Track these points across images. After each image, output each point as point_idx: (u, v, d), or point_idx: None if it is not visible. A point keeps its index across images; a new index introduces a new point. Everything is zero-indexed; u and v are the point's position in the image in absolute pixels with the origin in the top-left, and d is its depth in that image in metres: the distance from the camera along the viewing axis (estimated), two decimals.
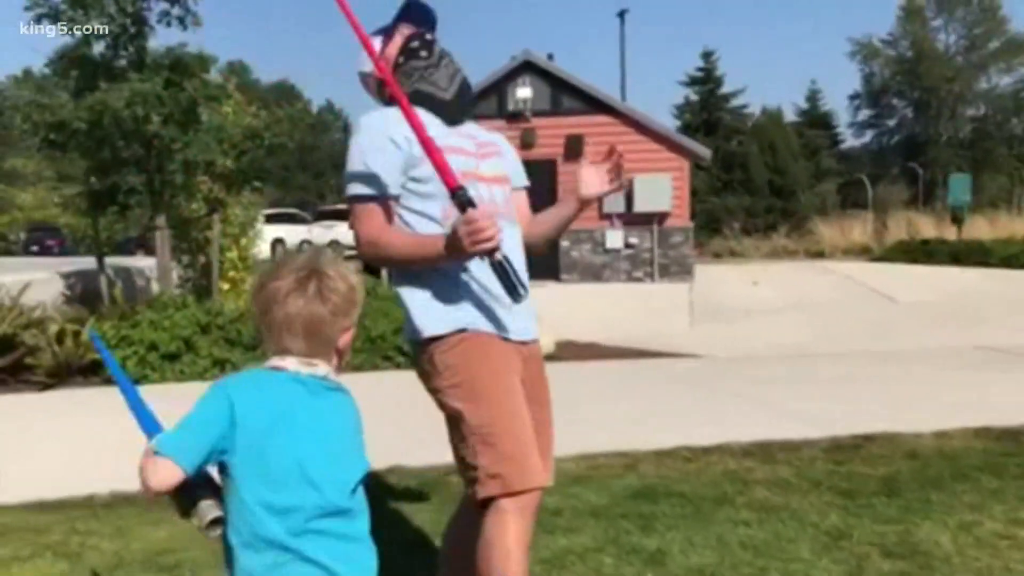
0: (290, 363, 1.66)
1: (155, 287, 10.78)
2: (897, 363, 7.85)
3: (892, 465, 4.48)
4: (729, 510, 3.86)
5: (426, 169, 2.21)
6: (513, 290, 2.12)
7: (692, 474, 4.41)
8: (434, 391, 2.26)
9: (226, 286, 10.16)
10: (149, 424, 1.76)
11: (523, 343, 2.32)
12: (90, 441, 5.54)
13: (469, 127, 2.44)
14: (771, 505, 3.91)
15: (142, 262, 13.33)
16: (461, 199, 2.11)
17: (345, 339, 1.72)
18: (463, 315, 2.23)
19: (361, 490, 1.67)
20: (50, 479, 4.55)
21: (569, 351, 8.60)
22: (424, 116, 2.25)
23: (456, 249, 2.08)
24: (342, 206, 26.25)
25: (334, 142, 65.55)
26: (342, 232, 23.96)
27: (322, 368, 1.69)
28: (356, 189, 2.27)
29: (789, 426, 5.31)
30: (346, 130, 53.94)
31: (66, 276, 10.74)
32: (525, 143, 17.00)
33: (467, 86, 2.46)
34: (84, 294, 10.10)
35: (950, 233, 21.99)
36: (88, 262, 11.65)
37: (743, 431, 5.18)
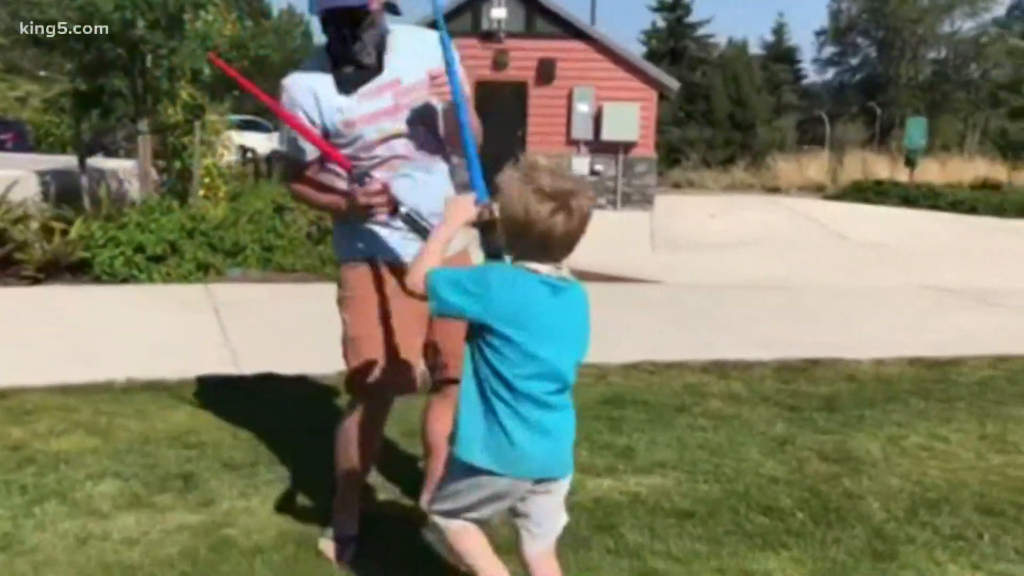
0: (543, 268, 2.03)
1: (129, 190, 10.94)
2: (845, 296, 8.42)
3: (833, 386, 5.02)
4: (687, 417, 4.36)
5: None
6: (424, 232, 2.58)
7: (655, 386, 4.91)
8: (337, 301, 2.84)
9: (201, 192, 10.34)
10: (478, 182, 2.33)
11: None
12: (94, 331, 5.88)
13: (392, 70, 2.70)
14: (724, 415, 4.43)
15: (111, 163, 13.35)
16: (355, 177, 2.66)
17: None
18: (362, 246, 2.75)
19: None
20: (63, 365, 4.89)
21: None
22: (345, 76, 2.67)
23: (358, 214, 2.66)
24: None
25: (296, 49, 64.17)
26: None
27: (565, 269, 2.07)
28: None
29: (742, 348, 5.82)
30: (306, 36, 52.66)
31: (42, 175, 10.81)
32: (498, 63, 17.13)
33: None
34: (61, 193, 10.21)
35: (903, 175, 22.64)
36: (59, 160, 11.71)
37: (701, 351, 5.68)
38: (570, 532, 2.42)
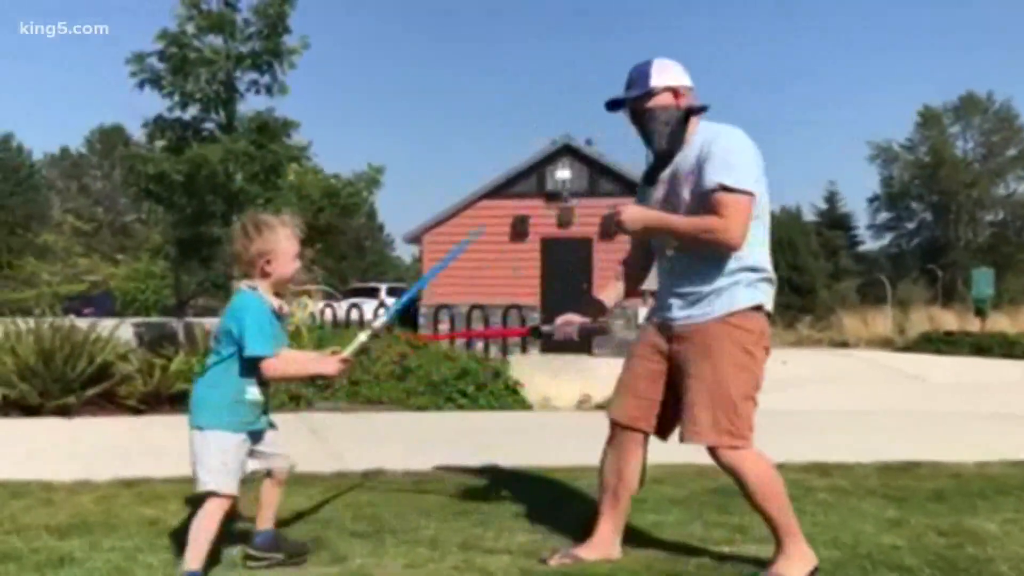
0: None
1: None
2: (931, 419, 8.31)
3: (938, 481, 4.96)
4: (797, 504, 4.34)
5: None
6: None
7: None
8: None
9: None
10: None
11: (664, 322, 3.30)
12: None
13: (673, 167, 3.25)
14: (832, 503, 4.41)
15: (198, 320, 13.95)
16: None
17: None
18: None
19: None
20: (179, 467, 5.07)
21: None
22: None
23: None
24: (371, 284, 27.06)
25: (359, 227, 67.02)
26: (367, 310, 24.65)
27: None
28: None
29: (840, 454, 5.78)
30: (370, 216, 54.96)
31: (137, 325, 11.40)
32: (562, 222, 17.79)
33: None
34: (156, 340, 10.71)
35: (972, 327, 22.41)
36: (147, 321, 12.35)
37: (800, 454, 5.66)
38: None
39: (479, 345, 13.59)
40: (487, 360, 10.00)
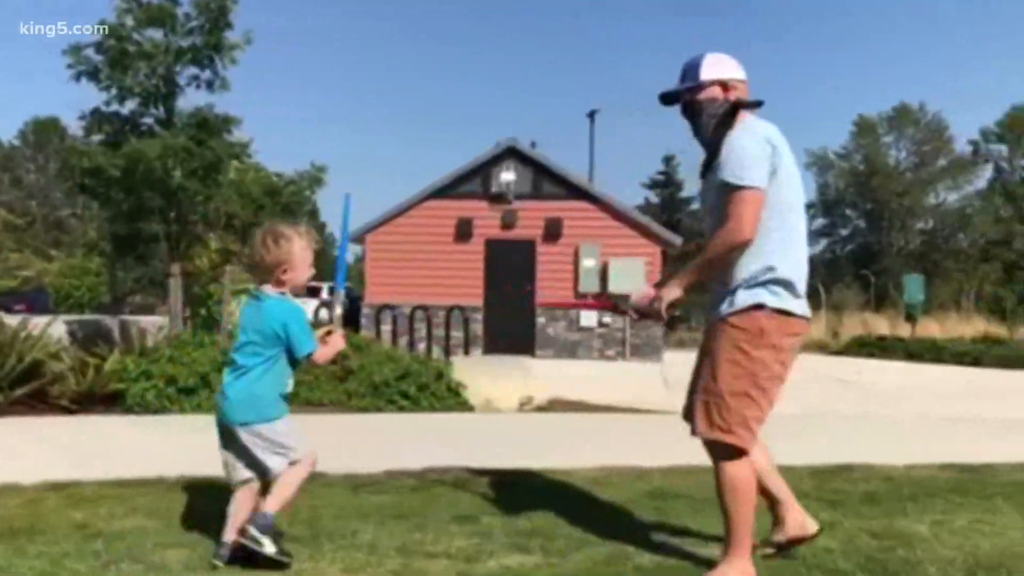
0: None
1: (156, 340, 11.16)
2: (865, 423, 8.50)
3: (871, 484, 5.08)
4: None
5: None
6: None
7: (695, 484, 4.96)
8: None
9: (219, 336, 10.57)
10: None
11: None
12: (136, 448, 5.96)
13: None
14: (763, 504, 4.46)
15: (135, 318, 13.67)
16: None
17: None
18: None
19: None
20: (113, 468, 4.96)
21: (561, 405, 9.19)
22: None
23: None
24: (313, 284, 26.78)
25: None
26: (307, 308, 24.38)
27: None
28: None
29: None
30: (312, 215, 54.26)
31: (70, 323, 11.10)
32: (506, 223, 17.80)
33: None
34: (90, 337, 10.46)
35: (904, 331, 23.01)
36: (82, 318, 12.03)
37: None
38: None
39: (421, 346, 13.52)
40: (430, 361, 9.95)
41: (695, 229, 49.87)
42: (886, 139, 59.32)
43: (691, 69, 3.30)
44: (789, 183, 3.20)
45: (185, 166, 9.06)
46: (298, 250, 3.30)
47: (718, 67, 3.28)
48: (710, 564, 3.28)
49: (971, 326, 25.63)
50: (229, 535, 3.23)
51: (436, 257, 17.71)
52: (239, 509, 3.28)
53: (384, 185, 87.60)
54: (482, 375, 9.43)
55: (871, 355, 20.25)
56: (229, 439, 3.30)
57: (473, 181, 18.06)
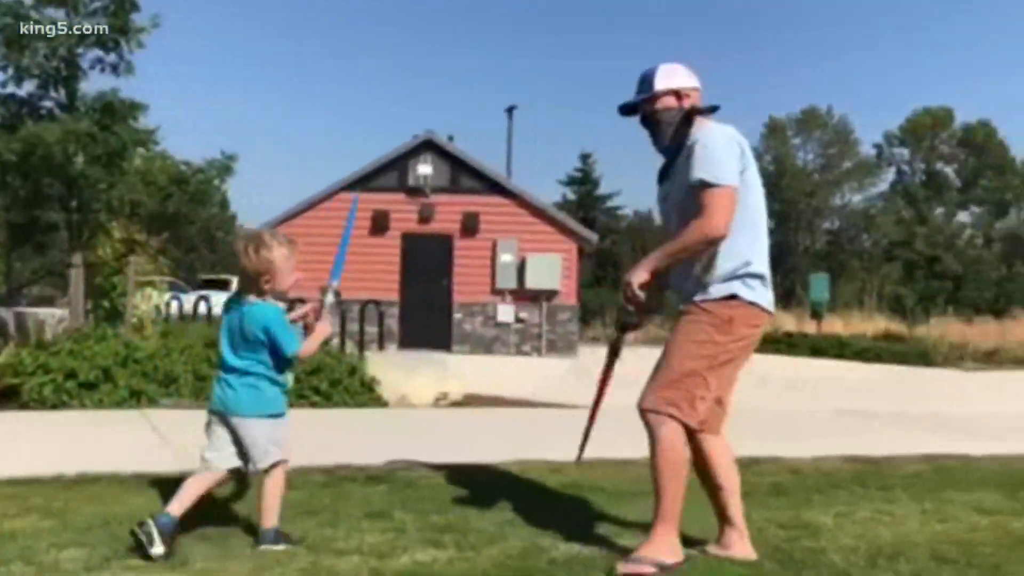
0: None
1: (55, 333, 10.73)
2: (770, 417, 8.71)
3: (778, 476, 5.19)
4: (641, 500, 4.46)
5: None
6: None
7: (610, 477, 5.00)
8: None
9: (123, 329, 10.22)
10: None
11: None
12: (33, 446, 5.71)
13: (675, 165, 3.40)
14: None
15: (32, 310, 13.14)
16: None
17: None
18: None
19: None
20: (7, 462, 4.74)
21: (477, 401, 9.18)
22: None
23: None
24: (223, 277, 26.22)
25: (210, 217, 64.49)
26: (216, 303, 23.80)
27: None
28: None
29: None
30: (222, 206, 52.83)
31: None
32: (423, 217, 17.70)
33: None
34: None
35: (810, 328, 23.70)
36: None
37: (643, 451, 5.78)
38: None
39: (335, 341, 13.31)
40: (343, 356, 9.80)
41: (611, 227, 50.70)
42: (795, 140, 60.96)
43: (646, 80, 3.44)
44: (755, 183, 3.37)
45: (88, 152, 8.73)
46: (279, 258, 3.36)
47: (671, 77, 3.42)
48: (625, 553, 3.30)
49: (873, 324, 26.60)
50: (174, 508, 3.29)
51: (351, 251, 17.42)
52: (195, 488, 3.37)
53: (298, 176, 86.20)
54: (397, 370, 9.34)
55: (778, 351, 20.75)
56: (221, 427, 3.41)
57: (390, 174, 17.91)
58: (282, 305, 3.50)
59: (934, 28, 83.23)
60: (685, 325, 3.31)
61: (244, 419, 3.37)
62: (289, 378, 3.50)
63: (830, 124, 59.38)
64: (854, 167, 58.77)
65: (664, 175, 3.49)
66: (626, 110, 3.53)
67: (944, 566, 3.39)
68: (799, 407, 9.93)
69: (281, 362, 3.42)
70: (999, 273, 51.68)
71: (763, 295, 3.34)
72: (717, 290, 3.28)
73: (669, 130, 3.38)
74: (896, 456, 5.98)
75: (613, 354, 3.66)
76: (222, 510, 3.88)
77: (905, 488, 4.98)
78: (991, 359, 20.88)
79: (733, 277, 3.28)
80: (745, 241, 3.30)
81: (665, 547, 3.22)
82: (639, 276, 3.32)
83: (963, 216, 56.03)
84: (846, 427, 8.07)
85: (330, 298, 3.71)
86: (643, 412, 3.36)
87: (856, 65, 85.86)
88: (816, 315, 23.72)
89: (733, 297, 3.28)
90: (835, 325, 25.37)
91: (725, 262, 3.28)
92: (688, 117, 3.37)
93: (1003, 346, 22.32)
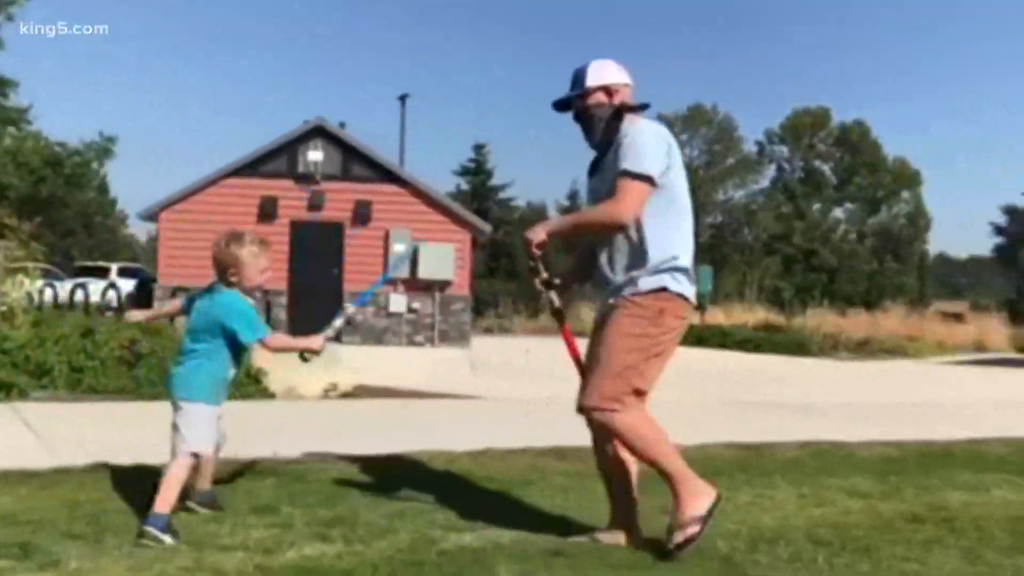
0: None
1: None
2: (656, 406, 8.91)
3: None
4: (534, 487, 4.54)
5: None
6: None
7: (504, 467, 5.02)
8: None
9: None
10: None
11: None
12: None
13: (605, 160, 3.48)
14: (569, 486, 4.61)
15: None
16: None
17: None
18: None
19: None
20: None
21: (367, 392, 9.08)
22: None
23: None
24: (100, 264, 25.17)
25: (88, 201, 61.84)
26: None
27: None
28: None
29: (576, 439, 6.04)
30: (101, 190, 50.64)
31: None
32: (313, 205, 17.38)
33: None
34: None
35: (694, 319, 24.37)
36: None
37: (539, 439, 5.85)
38: None
39: None
40: None
41: (504, 218, 50.91)
42: (682, 137, 62.42)
43: (578, 76, 3.52)
44: (682, 180, 3.48)
45: None
46: (246, 256, 3.55)
47: (602, 73, 3.50)
48: (514, 544, 3.32)
49: (753, 314, 27.56)
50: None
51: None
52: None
53: (182, 159, 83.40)
54: (285, 361, 9.14)
55: None
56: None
57: (279, 159, 17.52)
58: (250, 301, 3.62)
59: (816, 31, 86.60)
60: (618, 319, 3.36)
61: (181, 402, 3.50)
62: (232, 371, 3.65)
63: (715, 121, 61.01)
64: (737, 163, 60.56)
65: (594, 170, 3.57)
66: (559, 106, 3.59)
67: (820, 548, 3.53)
68: (681, 395, 10.17)
69: (239, 350, 3.57)
70: (871, 267, 54.21)
71: (688, 288, 3.44)
72: (646, 283, 3.35)
73: (600, 126, 3.46)
74: (775, 443, 6.21)
75: (558, 314, 3.73)
76: (95, 506, 3.72)
77: (784, 474, 5.17)
78: (863, 349, 21.93)
79: (662, 270, 3.36)
80: (672, 236, 3.40)
81: (693, 499, 3.35)
82: (537, 234, 3.44)
83: (838, 212, 58.48)
84: (726, 414, 8.34)
85: (339, 321, 3.88)
86: (587, 411, 3.42)
87: (741, 66, 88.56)
88: (699, 307, 24.41)
89: (663, 290, 3.35)
90: (717, 316, 26.18)
91: (655, 256, 3.36)
92: (618, 113, 3.45)
93: (874, 337, 23.48)
